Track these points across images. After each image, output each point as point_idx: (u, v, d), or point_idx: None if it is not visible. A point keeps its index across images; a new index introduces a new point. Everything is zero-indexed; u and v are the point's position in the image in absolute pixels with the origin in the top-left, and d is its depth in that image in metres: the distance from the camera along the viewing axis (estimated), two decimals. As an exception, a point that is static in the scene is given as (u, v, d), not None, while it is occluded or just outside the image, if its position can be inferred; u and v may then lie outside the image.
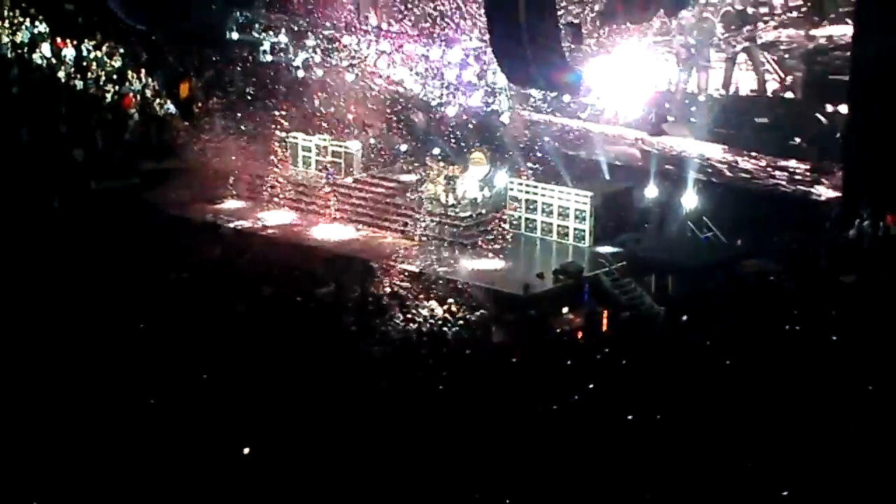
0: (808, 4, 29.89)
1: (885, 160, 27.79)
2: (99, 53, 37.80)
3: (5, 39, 37.16)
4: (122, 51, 38.04)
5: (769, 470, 15.71)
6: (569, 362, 20.60)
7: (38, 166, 32.12)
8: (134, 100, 36.55)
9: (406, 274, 27.70)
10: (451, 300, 26.03)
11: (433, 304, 25.84)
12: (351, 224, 31.51)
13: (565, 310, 26.41)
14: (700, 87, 32.41)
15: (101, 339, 20.32)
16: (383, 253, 29.27)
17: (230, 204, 32.93)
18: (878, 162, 28.03)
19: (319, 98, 35.80)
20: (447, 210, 30.23)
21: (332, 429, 16.88)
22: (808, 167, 30.41)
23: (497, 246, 29.37)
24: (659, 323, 25.39)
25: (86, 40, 38.08)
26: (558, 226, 30.10)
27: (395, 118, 34.47)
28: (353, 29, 36.90)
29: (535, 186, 30.53)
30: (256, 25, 39.83)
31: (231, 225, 31.34)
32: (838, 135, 29.64)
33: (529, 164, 31.72)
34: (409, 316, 24.85)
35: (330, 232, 31.15)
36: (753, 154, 31.44)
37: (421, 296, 26.27)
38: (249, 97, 36.29)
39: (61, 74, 36.55)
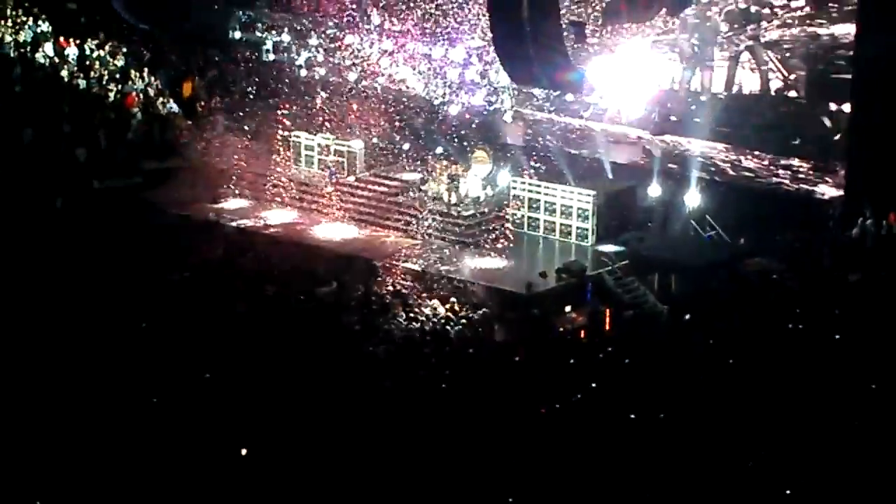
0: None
1: (887, 159, 27.77)
2: (102, 52, 37.82)
3: (8, 38, 37.18)
4: (124, 50, 38.05)
5: (772, 469, 15.70)
6: (571, 361, 20.59)
7: (40, 165, 32.12)
8: (137, 99, 36.55)
9: (408, 273, 27.69)
10: (453, 299, 26.02)
11: (436, 302, 25.84)
12: (353, 223, 31.50)
13: (568, 308, 26.39)
14: (704, 86, 32.41)
15: (104, 338, 20.33)
16: (386, 252, 29.25)
17: (233, 203, 32.91)
18: (880, 160, 28.01)
19: (322, 97, 35.79)
20: (450, 209, 30.22)
21: (335, 428, 16.88)
22: (810, 166, 30.44)
23: (500, 245, 29.35)
24: (662, 322, 25.36)
25: (89, 39, 38.10)
26: (561, 224, 30.09)
27: (397, 117, 34.47)
28: (355, 28, 36.91)
29: (538, 185, 30.51)
30: (259, 25, 39.90)
31: (234, 224, 31.33)
32: (836, 137, 29.67)
33: (532, 163, 31.70)
34: (411, 315, 24.85)
35: (332, 231, 31.13)
36: (756, 153, 31.48)
37: (423, 295, 26.27)
38: (252, 96, 36.32)
39: (64, 74, 36.55)
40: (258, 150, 34.02)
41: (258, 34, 39.97)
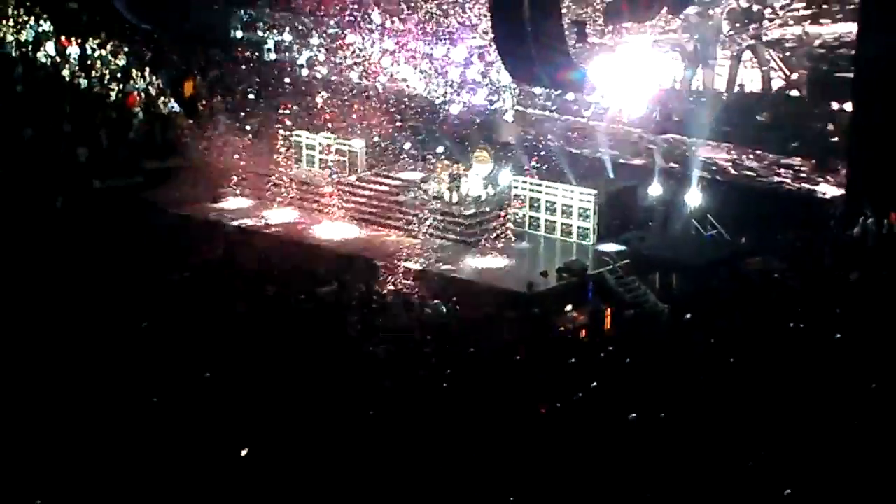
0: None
1: (889, 158, 27.76)
2: (103, 52, 37.86)
3: (10, 38, 37.23)
4: (126, 49, 38.11)
5: (773, 468, 15.68)
6: (572, 360, 20.56)
7: (41, 165, 32.14)
8: (138, 98, 36.58)
9: (409, 272, 27.68)
10: (454, 298, 25.99)
11: (437, 301, 25.81)
12: (354, 222, 31.50)
13: (569, 308, 26.37)
14: (706, 85, 32.40)
15: (105, 337, 20.32)
16: (387, 251, 29.25)
17: (234, 202, 32.93)
18: (882, 159, 28.00)
19: (323, 97, 35.80)
20: (451, 208, 30.22)
21: (335, 427, 16.88)
22: (810, 166, 30.43)
23: (500, 244, 29.34)
24: (663, 321, 25.34)
25: (90, 39, 38.16)
26: (562, 224, 30.07)
27: (399, 116, 34.47)
28: (357, 27, 36.91)
29: (540, 184, 30.49)
30: (261, 24, 39.92)
31: (235, 223, 31.34)
32: (836, 138, 29.67)
33: (533, 163, 31.69)
34: (412, 314, 24.82)
35: (333, 230, 31.13)
36: (758, 152, 31.46)
37: (424, 294, 26.25)
38: (253, 96, 36.32)
39: (65, 73, 36.60)
40: (259, 149, 34.02)
41: (259, 33, 40.01)
